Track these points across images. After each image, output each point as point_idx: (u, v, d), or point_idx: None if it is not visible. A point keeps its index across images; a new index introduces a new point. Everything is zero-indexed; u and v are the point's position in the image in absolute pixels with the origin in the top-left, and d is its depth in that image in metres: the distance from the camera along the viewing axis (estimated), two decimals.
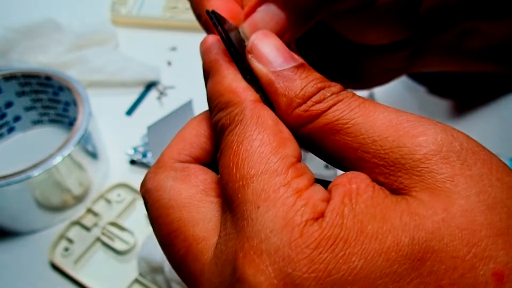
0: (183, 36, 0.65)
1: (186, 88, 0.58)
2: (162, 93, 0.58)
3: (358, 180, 0.18)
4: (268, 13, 0.25)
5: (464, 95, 0.56)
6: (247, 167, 0.19)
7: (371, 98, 0.56)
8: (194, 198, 0.22)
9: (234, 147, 0.20)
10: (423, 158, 0.18)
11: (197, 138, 0.24)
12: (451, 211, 0.17)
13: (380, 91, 0.57)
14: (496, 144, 0.50)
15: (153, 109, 0.57)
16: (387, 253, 0.16)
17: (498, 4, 0.32)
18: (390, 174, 0.19)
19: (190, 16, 0.68)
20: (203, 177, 0.23)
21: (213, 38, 0.24)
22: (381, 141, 0.19)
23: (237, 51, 0.23)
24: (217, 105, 0.22)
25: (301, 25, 0.26)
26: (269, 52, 0.22)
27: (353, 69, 0.35)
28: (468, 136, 0.19)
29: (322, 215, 0.17)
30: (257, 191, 0.18)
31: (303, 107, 0.21)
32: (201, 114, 0.26)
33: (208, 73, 0.24)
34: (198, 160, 0.24)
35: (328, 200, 0.18)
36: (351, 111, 0.20)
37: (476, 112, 0.55)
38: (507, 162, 0.45)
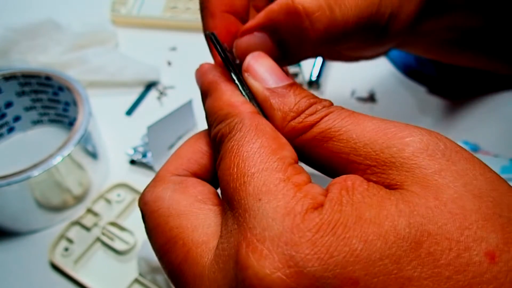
0: (183, 36, 0.65)
1: (186, 88, 0.58)
2: (162, 93, 0.58)
3: (353, 178, 0.19)
4: (263, 42, 0.26)
5: (463, 94, 0.56)
6: (248, 166, 0.20)
7: (372, 98, 0.56)
8: (193, 206, 0.23)
9: (235, 150, 0.21)
10: (411, 156, 0.19)
11: (194, 154, 0.25)
12: (442, 199, 0.18)
13: (380, 91, 0.57)
14: (496, 144, 0.50)
15: (153, 109, 0.57)
16: (386, 236, 0.17)
17: None
18: (382, 173, 0.20)
19: (190, 16, 0.68)
20: (200, 188, 0.24)
21: (209, 65, 0.26)
22: (372, 144, 0.20)
23: (234, 69, 0.25)
24: (216, 119, 0.23)
25: (290, 63, 0.28)
26: (264, 71, 0.24)
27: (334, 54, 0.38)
28: (451, 140, 0.20)
29: (321, 205, 0.18)
30: (258, 186, 0.19)
31: (297, 119, 0.22)
32: (197, 133, 0.27)
33: (206, 93, 0.25)
34: (195, 175, 0.25)
35: (326, 194, 0.19)
36: (342, 119, 0.21)
37: (477, 112, 0.55)
38: (507, 163, 0.45)
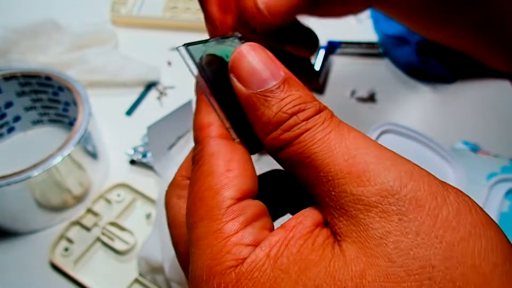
0: (183, 36, 0.64)
1: (186, 88, 0.58)
2: (162, 93, 0.58)
3: (300, 228, 0.20)
4: None
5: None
6: (193, 213, 0.21)
7: (372, 98, 0.56)
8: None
9: (190, 188, 0.22)
10: (363, 209, 0.18)
11: None
12: (367, 276, 0.17)
13: (381, 91, 0.57)
14: (496, 144, 0.50)
15: (153, 109, 0.57)
16: None
17: None
18: (335, 217, 0.19)
19: (190, 16, 0.68)
20: None
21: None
22: (333, 183, 0.19)
23: (213, 80, 0.24)
24: (194, 140, 0.25)
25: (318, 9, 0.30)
26: (249, 71, 0.22)
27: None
28: (423, 181, 0.18)
29: (243, 261, 0.19)
30: (196, 236, 0.21)
31: (274, 134, 0.21)
32: None
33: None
34: None
35: (257, 244, 0.20)
36: (314, 144, 0.20)
37: (478, 113, 0.55)
38: (507, 163, 0.45)
